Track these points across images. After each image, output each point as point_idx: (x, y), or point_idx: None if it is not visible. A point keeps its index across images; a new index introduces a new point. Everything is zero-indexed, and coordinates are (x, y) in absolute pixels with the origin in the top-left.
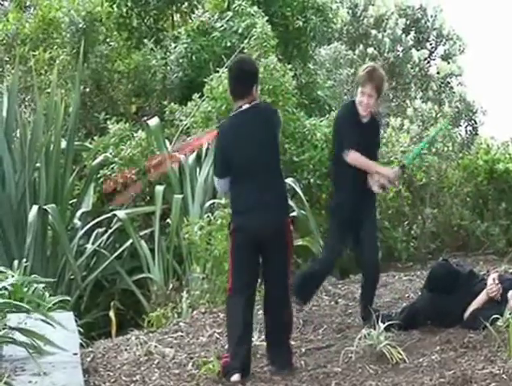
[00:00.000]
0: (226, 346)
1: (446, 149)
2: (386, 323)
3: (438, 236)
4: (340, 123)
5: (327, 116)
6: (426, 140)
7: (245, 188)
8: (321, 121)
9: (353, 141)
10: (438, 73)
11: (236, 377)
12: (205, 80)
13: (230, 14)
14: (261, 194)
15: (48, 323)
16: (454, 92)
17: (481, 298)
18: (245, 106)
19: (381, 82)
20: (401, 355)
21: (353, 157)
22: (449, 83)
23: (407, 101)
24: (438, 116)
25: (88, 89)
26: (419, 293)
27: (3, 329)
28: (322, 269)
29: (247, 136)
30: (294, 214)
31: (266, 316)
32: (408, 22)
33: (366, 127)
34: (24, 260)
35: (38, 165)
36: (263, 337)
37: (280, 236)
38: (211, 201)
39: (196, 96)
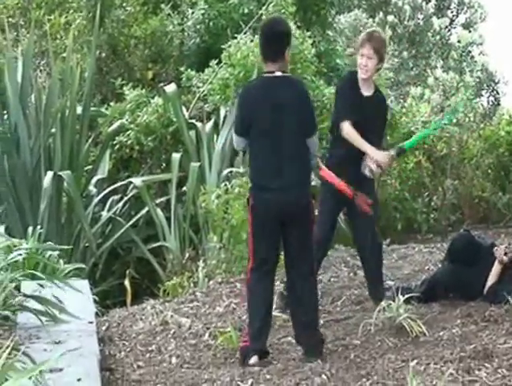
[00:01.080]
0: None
1: (467, 119)
2: (406, 296)
3: (458, 207)
4: (339, 93)
5: None
6: (433, 126)
7: (267, 161)
8: None
9: (349, 112)
10: (459, 42)
11: (254, 359)
12: (223, 46)
13: None
14: (283, 169)
15: (63, 291)
16: (475, 62)
17: (496, 270)
18: (278, 73)
19: (380, 43)
20: (421, 328)
21: (347, 130)
22: (470, 52)
23: (428, 70)
24: (459, 85)
25: (104, 54)
26: (440, 265)
27: (18, 296)
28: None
29: (275, 102)
30: (313, 184)
31: (289, 294)
32: None
33: (367, 101)
34: (39, 226)
35: (53, 130)
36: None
37: (303, 212)
38: (228, 169)
39: (213, 62)
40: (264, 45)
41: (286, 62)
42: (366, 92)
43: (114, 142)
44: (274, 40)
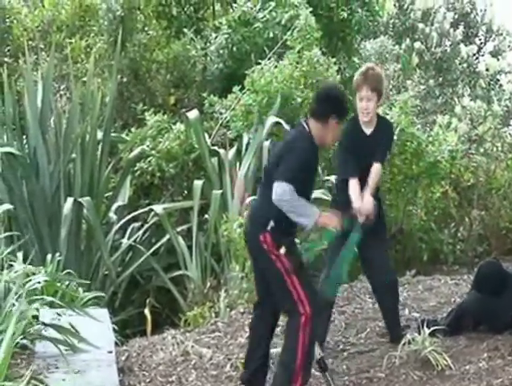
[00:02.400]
0: None
1: (495, 149)
2: (432, 328)
3: (485, 239)
4: (343, 140)
5: None
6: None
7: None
8: None
9: (355, 170)
10: (487, 70)
11: None
12: (246, 72)
13: (273, 4)
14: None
15: (82, 320)
16: (504, 90)
17: None
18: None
19: (378, 80)
20: (447, 361)
21: (352, 187)
22: (498, 80)
23: (455, 98)
24: (487, 114)
25: (125, 79)
26: (465, 296)
27: (36, 325)
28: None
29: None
30: None
31: None
32: (456, 16)
33: (370, 138)
34: (58, 254)
35: (73, 156)
36: None
37: (258, 251)
38: (251, 197)
39: (236, 88)
40: (313, 102)
41: (327, 128)
42: (368, 129)
43: (135, 169)
44: (324, 101)
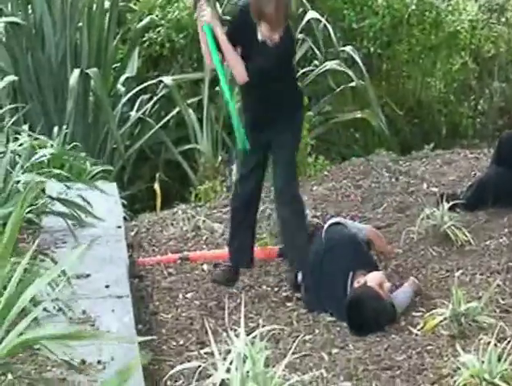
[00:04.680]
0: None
1: None
2: (451, 203)
3: (506, 111)
4: None
5: None
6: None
7: None
8: None
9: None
10: None
11: None
12: None
13: None
14: None
15: (90, 194)
16: None
17: None
18: None
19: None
20: (466, 236)
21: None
22: None
23: None
24: None
25: None
26: (486, 170)
27: (43, 199)
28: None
29: None
30: (353, 84)
31: None
32: None
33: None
34: (64, 126)
35: (80, 24)
36: None
37: None
38: None
39: None
40: None
41: None
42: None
43: (144, 39)
44: None
